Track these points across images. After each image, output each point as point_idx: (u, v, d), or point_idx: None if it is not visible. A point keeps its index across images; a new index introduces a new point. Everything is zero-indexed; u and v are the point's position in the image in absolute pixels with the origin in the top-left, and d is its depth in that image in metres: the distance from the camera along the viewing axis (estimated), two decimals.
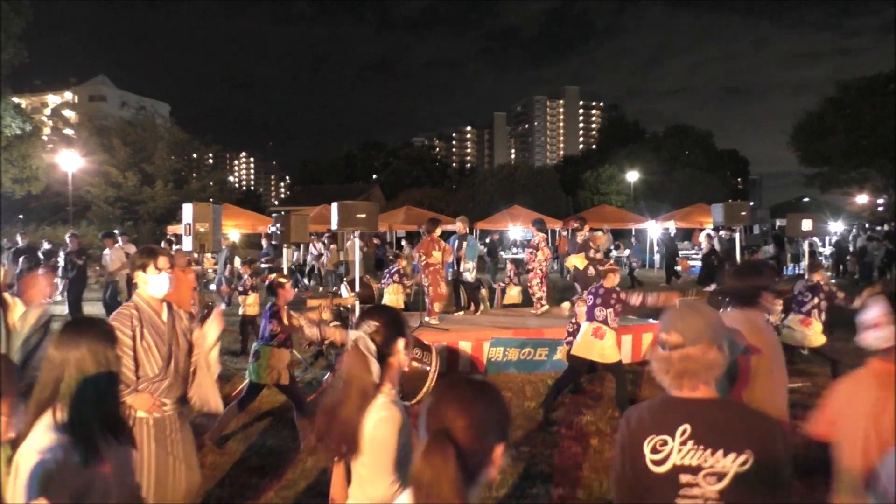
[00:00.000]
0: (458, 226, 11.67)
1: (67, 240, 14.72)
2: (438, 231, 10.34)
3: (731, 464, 1.94)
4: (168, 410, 3.56)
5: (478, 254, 12.06)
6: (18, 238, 17.23)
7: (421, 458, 1.57)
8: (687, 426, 2.03)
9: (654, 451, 2.06)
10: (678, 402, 2.10)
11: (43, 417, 2.18)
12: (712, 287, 17.45)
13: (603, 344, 6.94)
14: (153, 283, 3.62)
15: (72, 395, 2.19)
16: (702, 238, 19.29)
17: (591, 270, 9.88)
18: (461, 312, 11.26)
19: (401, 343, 2.49)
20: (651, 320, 10.50)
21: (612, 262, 8.48)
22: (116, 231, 16.62)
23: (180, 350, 3.63)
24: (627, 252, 24.97)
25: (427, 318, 9.90)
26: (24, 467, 2.07)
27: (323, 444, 2.41)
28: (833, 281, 11.12)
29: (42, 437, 2.13)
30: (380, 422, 2.32)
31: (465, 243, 11.36)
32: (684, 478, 2.00)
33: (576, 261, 10.16)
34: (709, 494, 1.96)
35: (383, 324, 2.46)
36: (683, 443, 2.02)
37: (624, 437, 2.17)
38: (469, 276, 11.38)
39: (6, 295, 4.14)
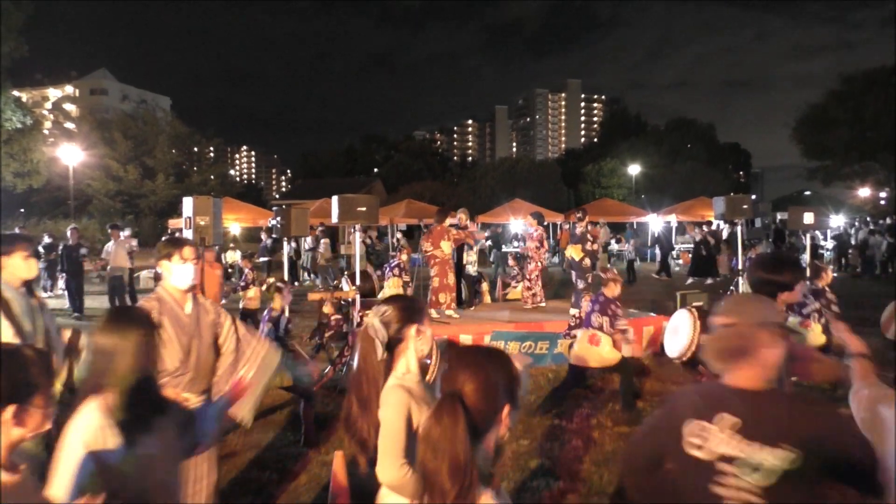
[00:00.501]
0: (460, 217, 11.64)
1: (68, 233, 14.74)
2: (448, 221, 10.27)
3: (772, 458, 1.90)
4: (191, 405, 3.43)
5: (479, 247, 12.00)
6: (17, 232, 17.24)
7: (431, 416, 1.66)
8: (733, 416, 1.98)
9: (694, 435, 2.03)
10: (726, 389, 2.05)
11: (90, 401, 2.28)
12: (709, 281, 17.48)
13: (600, 350, 6.95)
14: (177, 274, 3.53)
15: (118, 382, 2.30)
16: (695, 231, 19.32)
17: (587, 262, 10.07)
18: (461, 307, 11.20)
19: (412, 329, 2.53)
20: (652, 314, 10.52)
21: (614, 269, 8.50)
22: (119, 224, 16.61)
23: (203, 343, 3.48)
24: (627, 245, 24.96)
25: (432, 311, 9.86)
26: (68, 446, 2.18)
27: (348, 429, 2.51)
28: (835, 275, 11.07)
29: (90, 419, 2.24)
30: (385, 402, 2.40)
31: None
32: (724, 467, 1.96)
33: (572, 251, 10.25)
34: (744, 485, 1.93)
35: (396, 310, 2.54)
36: (720, 431, 1.99)
37: (661, 418, 2.16)
38: (471, 270, 11.36)
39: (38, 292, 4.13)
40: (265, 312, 6.62)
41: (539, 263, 11.02)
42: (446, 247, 10.02)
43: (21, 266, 3.84)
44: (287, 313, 6.94)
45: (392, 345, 2.51)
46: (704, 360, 2.16)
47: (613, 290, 7.22)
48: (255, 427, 6.20)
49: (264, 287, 7.10)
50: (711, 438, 1.98)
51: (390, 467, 2.32)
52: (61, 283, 17.68)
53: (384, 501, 2.40)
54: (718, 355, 2.09)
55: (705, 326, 7.16)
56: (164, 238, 4.06)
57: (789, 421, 1.92)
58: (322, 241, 20.14)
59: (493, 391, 1.73)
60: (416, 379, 2.51)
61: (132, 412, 2.30)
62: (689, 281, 17.97)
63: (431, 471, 1.63)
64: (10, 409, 1.72)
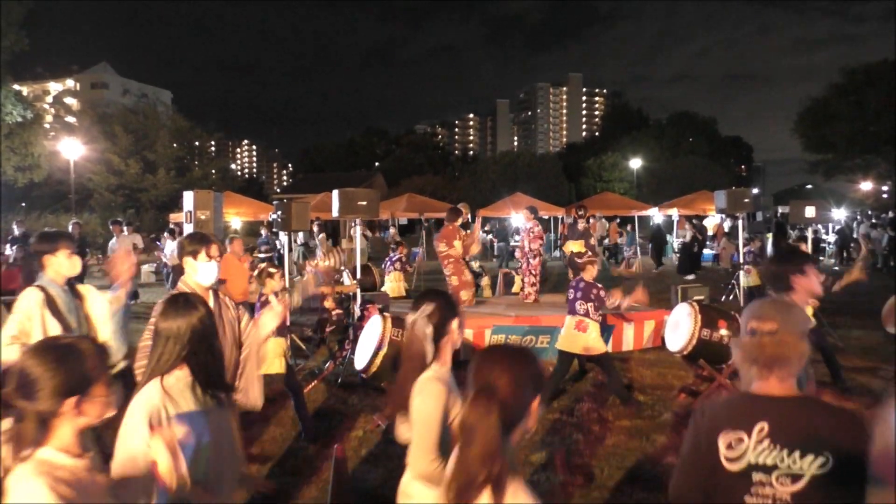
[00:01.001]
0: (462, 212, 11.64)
1: (70, 228, 14.65)
2: (460, 220, 10.24)
3: (808, 466, 1.91)
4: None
5: (480, 241, 11.97)
6: (14, 227, 17.14)
7: (467, 408, 1.79)
8: (765, 424, 1.99)
9: (729, 447, 2.03)
10: (757, 398, 2.05)
11: (152, 381, 2.44)
12: (690, 276, 17.48)
13: (587, 337, 6.92)
14: (202, 271, 3.56)
15: (178, 363, 2.48)
16: (686, 227, 19.37)
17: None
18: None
19: (455, 323, 2.65)
20: (654, 307, 10.51)
21: (590, 253, 8.47)
22: (120, 220, 16.56)
23: (224, 340, 3.47)
24: (621, 239, 25.02)
25: None
26: (131, 424, 2.32)
27: (390, 415, 2.63)
28: (836, 268, 11.07)
29: (151, 399, 2.38)
30: (419, 396, 2.47)
31: (467, 231, 11.26)
32: (757, 476, 1.97)
33: (574, 247, 10.27)
34: (781, 495, 1.94)
35: (438, 306, 2.64)
36: (760, 441, 1.99)
37: (698, 429, 2.14)
38: (473, 265, 11.34)
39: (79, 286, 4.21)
40: (258, 298, 6.63)
41: (538, 257, 11.03)
42: (459, 246, 10.00)
43: (65, 264, 3.96)
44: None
45: (436, 339, 2.60)
46: (737, 363, 2.13)
47: (591, 272, 7.19)
48: (255, 421, 6.21)
49: (255, 273, 7.11)
50: (747, 449, 1.99)
51: (423, 459, 2.40)
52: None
53: (409, 491, 2.49)
54: (756, 362, 2.06)
55: (706, 320, 7.19)
56: (188, 234, 4.08)
57: (819, 426, 1.93)
58: (320, 236, 20.12)
59: (523, 386, 1.84)
60: (449, 371, 2.62)
61: (192, 393, 2.47)
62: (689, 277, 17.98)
63: (463, 457, 1.75)
64: (71, 401, 1.79)
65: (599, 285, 7.12)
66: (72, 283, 4.09)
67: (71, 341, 1.95)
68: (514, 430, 1.83)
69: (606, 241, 24.97)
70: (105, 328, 4.17)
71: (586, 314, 6.97)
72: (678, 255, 19.28)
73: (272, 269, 6.59)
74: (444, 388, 2.47)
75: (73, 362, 1.83)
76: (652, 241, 23.72)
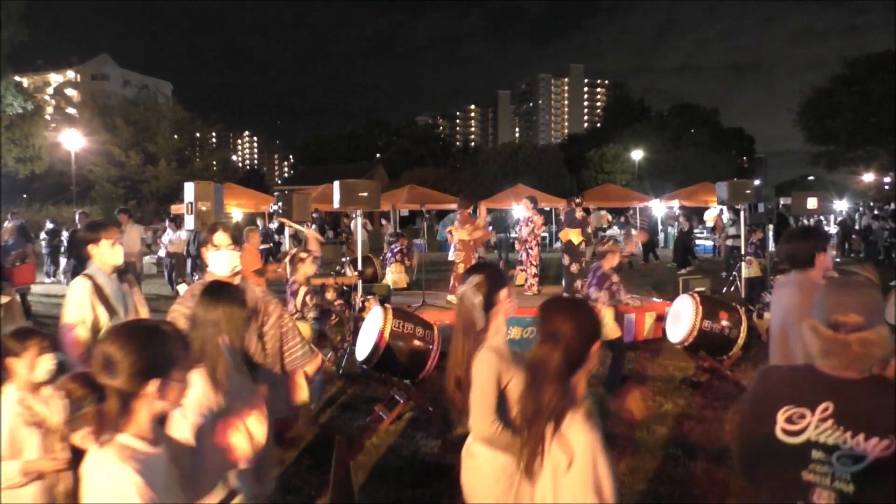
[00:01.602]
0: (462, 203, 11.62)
1: (77, 218, 14.53)
2: (471, 209, 10.24)
3: (872, 448, 1.87)
4: None
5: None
6: (9, 217, 17.03)
7: (535, 349, 2.13)
8: (830, 405, 1.95)
9: (789, 421, 2.00)
10: (824, 377, 2.00)
11: (194, 370, 2.44)
12: (683, 271, 17.47)
13: (603, 323, 6.96)
14: (212, 261, 3.65)
15: (220, 351, 2.57)
16: (681, 219, 19.38)
17: (583, 247, 10.35)
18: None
19: (503, 293, 2.77)
20: (655, 299, 10.52)
21: (611, 241, 8.51)
22: (127, 208, 16.51)
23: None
24: (624, 231, 24.92)
25: (451, 297, 9.88)
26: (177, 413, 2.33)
27: (452, 391, 2.74)
28: (837, 260, 11.13)
29: (194, 386, 2.36)
30: (476, 366, 2.60)
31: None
32: (817, 454, 1.95)
33: (571, 235, 10.34)
34: (841, 475, 1.91)
35: (486, 276, 2.75)
36: (823, 419, 1.95)
37: (757, 397, 2.13)
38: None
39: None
40: (288, 286, 6.67)
41: (537, 248, 11.03)
42: (465, 232, 10.00)
43: (108, 253, 4.02)
44: (307, 286, 6.87)
45: (486, 308, 2.72)
46: (808, 344, 2.03)
47: (611, 261, 7.15)
48: None
49: (288, 258, 7.15)
50: (808, 425, 1.97)
51: (483, 423, 2.53)
52: (50, 270, 17.60)
53: (472, 451, 2.65)
54: (837, 357, 1.97)
55: (707, 312, 7.18)
56: (209, 224, 4.15)
57: (886, 408, 1.90)
58: (312, 226, 19.97)
59: (584, 332, 2.14)
60: (504, 339, 2.73)
61: (233, 380, 2.55)
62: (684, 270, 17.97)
63: (532, 392, 2.05)
64: (154, 383, 1.80)
65: (615, 278, 7.06)
66: (122, 272, 4.16)
67: (154, 324, 1.98)
68: (577, 371, 2.10)
69: (617, 230, 24.95)
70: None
71: (597, 301, 7.01)
72: (673, 248, 19.27)
73: (303, 255, 6.62)
74: (495, 356, 2.60)
75: (156, 344, 1.85)
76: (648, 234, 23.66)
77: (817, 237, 3.44)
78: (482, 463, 2.64)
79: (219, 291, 2.75)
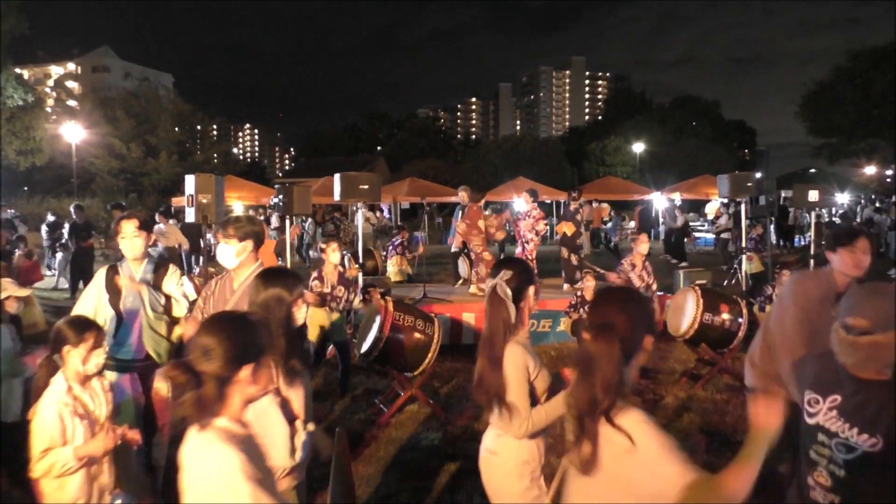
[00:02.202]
0: (461, 195, 11.54)
1: (73, 212, 14.36)
2: (483, 201, 10.23)
3: (862, 442, 2.07)
4: None
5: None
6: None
7: (589, 342, 2.03)
8: (838, 397, 2.17)
9: (809, 404, 2.28)
10: (841, 370, 2.17)
11: None
12: (684, 264, 17.47)
13: None
14: (218, 254, 3.70)
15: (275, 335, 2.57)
16: (677, 213, 19.40)
17: (580, 239, 10.50)
18: (460, 282, 11.11)
19: (531, 290, 2.81)
20: (658, 292, 10.51)
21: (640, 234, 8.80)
22: (123, 203, 16.38)
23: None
24: (633, 224, 24.91)
25: (474, 289, 9.92)
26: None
27: (479, 386, 2.72)
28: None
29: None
30: (508, 358, 2.64)
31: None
32: (821, 437, 2.20)
33: (565, 227, 10.47)
34: (836, 459, 2.14)
35: (516, 273, 2.76)
36: (831, 409, 2.18)
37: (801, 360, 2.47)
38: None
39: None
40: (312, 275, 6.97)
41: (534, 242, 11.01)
42: (483, 225, 9.96)
43: (124, 245, 4.14)
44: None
45: (514, 303, 2.73)
46: (840, 356, 2.14)
47: (637, 247, 7.87)
48: None
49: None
50: (820, 411, 2.21)
51: (518, 417, 2.61)
52: (52, 262, 17.45)
53: (495, 447, 2.70)
54: (850, 360, 2.12)
55: (708, 305, 7.21)
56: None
57: (882, 408, 2.06)
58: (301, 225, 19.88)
59: (638, 324, 2.08)
60: (527, 334, 2.81)
61: (287, 363, 2.58)
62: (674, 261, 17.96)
63: (584, 386, 1.99)
64: (247, 368, 1.90)
65: (624, 262, 7.83)
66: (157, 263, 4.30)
67: (242, 314, 2.13)
68: (628, 364, 2.04)
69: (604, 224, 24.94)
70: (181, 307, 4.30)
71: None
72: (673, 240, 19.22)
73: (322, 245, 6.80)
74: (522, 350, 2.66)
75: (247, 332, 1.96)
76: (640, 226, 23.68)
77: (832, 236, 3.41)
78: (506, 459, 2.67)
79: (279, 275, 2.84)
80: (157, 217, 12.81)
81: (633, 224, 26.14)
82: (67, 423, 2.83)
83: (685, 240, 19.26)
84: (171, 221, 13.72)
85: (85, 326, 3.03)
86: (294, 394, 2.64)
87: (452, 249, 11.47)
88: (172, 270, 4.32)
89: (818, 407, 2.22)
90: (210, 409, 1.85)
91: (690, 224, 26.06)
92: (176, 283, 4.28)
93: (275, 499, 1.83)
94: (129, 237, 4.04)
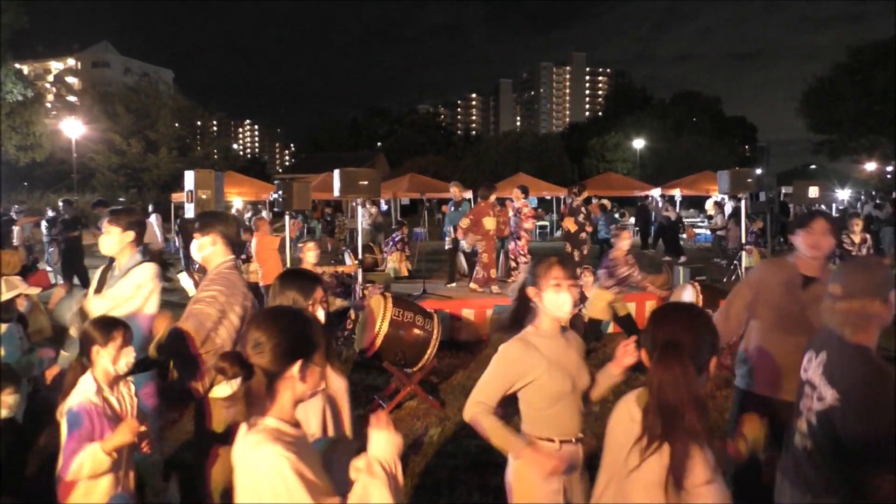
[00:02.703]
0: (453, 191, 11.37)
1: (61, 206, 14.06)
2: (493, 197, 10.12)
3: (829, 395, 2.28)
4: None
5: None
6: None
7: (657, 364, 1.96)
8: (825, 354, 2.39)
9: (807, 360, 2.51)
10: (832, 334, 2.37)
11: None
12: (683, 258, 17.46)
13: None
14: (99, 241, 3.83)
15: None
16: (668, 210, 19.42)
17: (583, 235, 10.37)
18: (453, 284, 10.84)
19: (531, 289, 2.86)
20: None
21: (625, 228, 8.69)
22: (104, 200, 16.15)
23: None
24: (632, 220, 24.86)
25: (473, 285, 9.88)
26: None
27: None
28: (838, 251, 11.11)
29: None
30: (503, 349, 2.77)
31: (459, 210, 10.95)
32: (807, 389, 2.45)
33: (567, 223, 10.47)
34: (813, 408, 2.38)
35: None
36: (819, 364, 2.41)
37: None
38: (465, 245, 11.00)
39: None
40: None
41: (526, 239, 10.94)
42: (489, 223, 9.85)
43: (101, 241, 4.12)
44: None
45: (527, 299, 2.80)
46: (824, 318, 2.43)
47: (618, 244, 7.73)
48: None
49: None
50: (811, 366, 2.46)
51: (470, 402, 2.67)
52: (46, 259, 17.33)
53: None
54: (832, 324, 2.37)
55: (707, 300, 7.26)
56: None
57: (850, 370, 2.25)
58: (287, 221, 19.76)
59: (704, 343, 2.02)
60: (543, 334, 2.77)
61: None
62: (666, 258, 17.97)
63: (666, 411, 1.91)
64: (297, 364, 1.86)
65: (609, 258, 7.67)
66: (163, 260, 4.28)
67: (297, 309, 2.13)
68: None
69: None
70: (132, 303, 4.19)
71: (597, 279, 7.60)
72: (667, 236, 19.23)
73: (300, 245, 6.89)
74: (518, 347, 2.71)
75: (298, 328, 1.92)
76: (637, 221, 23.64)
77: (793, 221, 3.76)
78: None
79: (302, 276, 2.87)
80: None
81: (631, 220, 26.08)
82: (96, 423, 2.81)
83: (683, 235, 19.25)
84: (151, 219, 13.69)
85: (112, 325, 3.00)
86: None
87: (447, 246, 11.23)
88: (140, 267, 4.00)
89: (811, 364, 2.45)
90: (259, 405, 1.82)
91: (688, 220, 26.09)
92: (131, 279, 3.94)
93: (327, 501, 1.79)
94: (102, 234, 3.96)
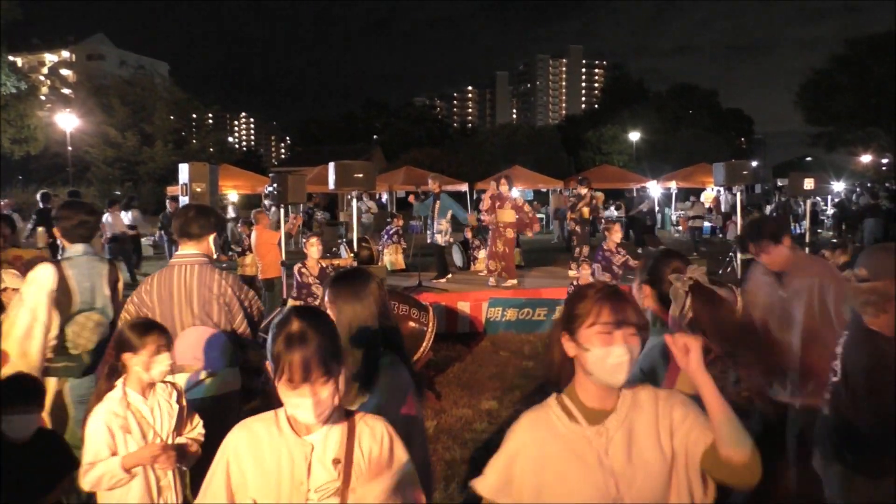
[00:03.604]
0: (430, 185, 11.12)
1: (38, 199, 13.74)
2: (505, 188, 10.01)
3: (840, 373, 2.58)
4: None
5: (450, 214, 10.94)
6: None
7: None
8: (846, 333, 2.62)
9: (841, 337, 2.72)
10: (855, 314, 2.56)
11: None
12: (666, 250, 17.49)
13: None
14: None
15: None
16: (644, 203, 19.53)
17: (587, 228, 10.55)
18: (443, 280, 10.54)
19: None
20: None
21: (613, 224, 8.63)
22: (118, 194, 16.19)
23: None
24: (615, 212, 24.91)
25: (491, 280, 9.85)
26: None
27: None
28: (834, 241, 11.11)
29: None
30: None
31: (437, 203, 10.69)
32: (833, 363, 2.66)
33: (583, 210, 10.64)
34: (831, 380, 2.65)
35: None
36: (841, 343, 2.63)
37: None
38: (440, 239, 10.70)
39: None
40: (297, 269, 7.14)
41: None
42: (508, 215, 9.80)
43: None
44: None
45: None
46: (848, 300, 2.69)
47: (609, 236, 7.92)
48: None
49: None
50: (840, 344, 2.65)
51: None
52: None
53: None
54: (856, 304, 2.52)
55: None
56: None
57: (856, 352, 2.53)
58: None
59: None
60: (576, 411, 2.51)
61: (368, 365, 2.36)
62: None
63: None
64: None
65: (605, 249, 7.86)
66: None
67: (324, 313, 2.02)
68: None
69: (615, 212, 24.95)
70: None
71: (593, 273, 7.66)
72: (638, 228, 19.25)
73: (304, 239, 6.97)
74: None
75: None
76: (628, 216, 23.64)
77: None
78: None
79: (362, 275, 2.70)
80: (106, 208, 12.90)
81: (615, 212, 26.09)
82: (117, 435, 2.62)
83: (679, 228, 19.27)
84: (122, 213, 14.04)
85: (145, 329, 2.73)
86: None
87: (441, 244, 10.83)
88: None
89: (841, 339, 2.64)
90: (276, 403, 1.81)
91: (680, 213, 26.09)
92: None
93: None
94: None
